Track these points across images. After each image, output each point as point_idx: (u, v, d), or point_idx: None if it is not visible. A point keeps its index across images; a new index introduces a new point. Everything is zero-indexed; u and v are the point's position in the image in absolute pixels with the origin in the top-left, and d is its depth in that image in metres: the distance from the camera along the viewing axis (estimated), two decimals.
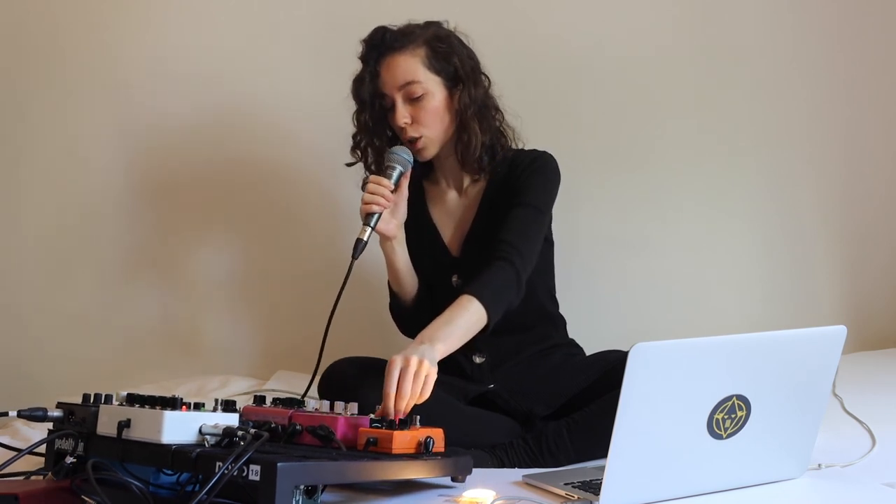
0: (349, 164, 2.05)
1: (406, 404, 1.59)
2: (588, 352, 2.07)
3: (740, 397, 1.34)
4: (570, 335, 2.10)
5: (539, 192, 1.96)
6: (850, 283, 2.72)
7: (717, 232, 2.66)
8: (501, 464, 1.75)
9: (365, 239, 1.84)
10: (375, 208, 1.85)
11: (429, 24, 1.98)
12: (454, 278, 2.01)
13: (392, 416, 1.57)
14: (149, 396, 1.35)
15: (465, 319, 1.77)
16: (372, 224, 1.86)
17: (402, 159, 1.92)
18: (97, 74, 2.57)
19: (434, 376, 1.64)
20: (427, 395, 1.62)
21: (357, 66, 1.97)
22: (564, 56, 2.60)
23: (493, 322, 1.80)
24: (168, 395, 1.37)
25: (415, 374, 1.60)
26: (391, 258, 1.98)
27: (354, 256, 1.83)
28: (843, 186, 2.73)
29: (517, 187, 1.96)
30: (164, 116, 2.57)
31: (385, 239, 1.94)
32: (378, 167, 1.99)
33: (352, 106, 1.99)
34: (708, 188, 2.65)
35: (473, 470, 1.52)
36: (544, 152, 2.02)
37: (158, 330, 2.58)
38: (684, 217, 2.65)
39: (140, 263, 2.59)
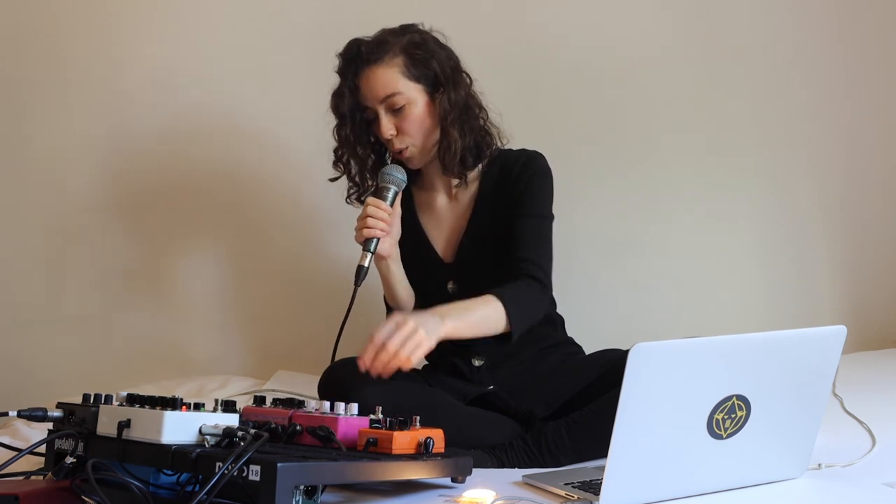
0: (332, 179, 2.04)
1: (388, 362, 1.62)
2: (587, 352, 2.07)
3: (740, 397, 1.34)
4: (570, 335, 2.10)
5: (541, 199, 1.96)
6: (850, 283, 2.72)
7: (716, 231, 2.66)
8: (501, 464, 1.75)
9: (366, 265, 1.86)
10: (378, 233, 1.86)
11: (404, 28, 1.96)
12: (450, 285, 2.00)
13: (366, 366, 1.63)
14: (149, 397, 1.35)
15: (483, 312, 1.79)
16: (372, 249, 1.87)
17: (396, 179, 1.92)
18: (96, 80, 2.57)
19: (426, 346, 1.65)
20: (414, 361, 1.64)
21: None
22: (564, 57, 2.60)
23: (516, 331, 1.82)
24: (168, 395, 1.37)
25: (406, 336, 1.62)
26: (387, 276, 1.98)
27: (357, 284, 1.85)
28: (844, 187, 2.73)
29: (516, 195, 1.95)
30: (163, 123, 2.57)
31: (380, 258, 1.94)
32: (362, 178, 1.99)
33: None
34: (708, 188, 2.65)
35: (473, 470, 1.52)
36: (534, 153, 2.01)
37: (158, 330, 2.58)
38: (684, 217, 2.65)
39: (140, 264, 2.59)
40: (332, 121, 1.99)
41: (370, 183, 2.00)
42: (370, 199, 1.89)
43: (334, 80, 1.97)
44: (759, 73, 2.67)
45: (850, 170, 2.73)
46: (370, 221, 1.86)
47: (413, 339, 1.65)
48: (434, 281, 2.02)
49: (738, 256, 2.68)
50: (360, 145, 1.97)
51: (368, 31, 1.98)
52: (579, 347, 2.08)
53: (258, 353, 2.59)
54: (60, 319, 2.57)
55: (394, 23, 1.99)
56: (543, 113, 2.49)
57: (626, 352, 1.24)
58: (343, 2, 2.60)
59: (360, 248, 1.89)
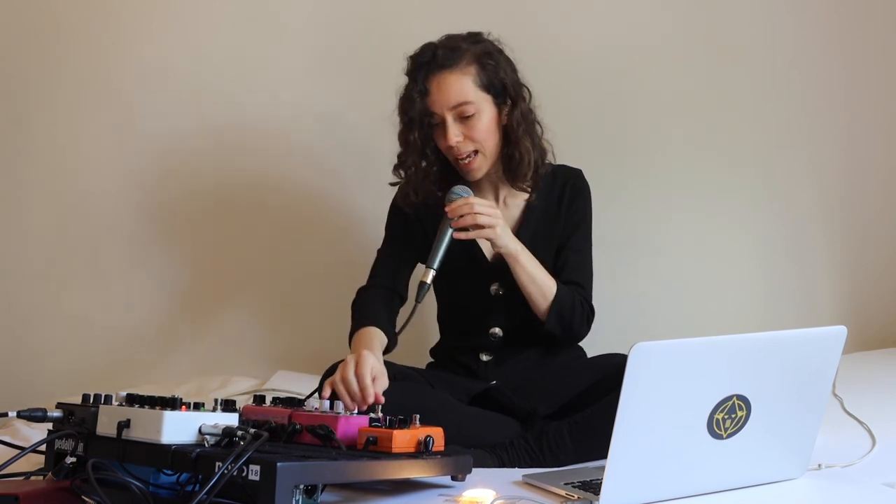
0: (393, 184, 2.02)
1: (465, 212, 1.81)
2: (590, 351, 2.07)
3: (740, 397, 1.34)
4: None
5: (587, 229, 2.05)
6: (850, 283, 2.72)
7: (717, 233, 2.66)
8: (502, 463, 1.75)
9: (428, 282, 1.85)
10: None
11: (473, 37, 1.95)
12: (493, 287, 2.00)
13: (450, 209, 1.83)
14: (148, 396, 1.35)
15: (543, 278, 1.91)
16: (435, 267, 1.85)
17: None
18: (98, 81, 2.57)
19: (498, 234, 1.83)
20: (481, 234, 1.84)
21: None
22: (568, 58, 2.60)
23: (548, 324, 1.91)
24: (168, 395, 1.37)
25: (493, 212, 1.84)
26: None
27: (418, 300, 1.84)
28: (844, 187, 2.73)
29: (567, 220, 2.01)
30: (164, 124, 2.57)
31: None
32: (420, 184, 1.97)
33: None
34: (708, 188, 2.65)
35: (473, 469, 1.52)
36: (578, 172, 2.07)
37: (158, 330, 2.58)
38: (685, 218, 2.64)
39: (140, 264, 2.59)
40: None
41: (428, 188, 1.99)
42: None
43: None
44: (759, 73, 2.67)
45: (850, 170, 2.73)
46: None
47: (495, 218, 1.83)
48: (478, 281, 2.01)
49: (738, 256, 2.67)
50: (426, 150, 1.96)
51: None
52: (583, 351, 2.09)
53: (258, 353, 2.59)
54: (61, 319, 2.57)
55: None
56: (542, 113, 2.48)
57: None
58: (343, 3, 2.59)
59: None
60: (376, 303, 1.97)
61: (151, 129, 2.57)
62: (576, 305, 1.94)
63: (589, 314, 1.99)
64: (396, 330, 1.91)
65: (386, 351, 1.90)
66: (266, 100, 2.59)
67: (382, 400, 1.62)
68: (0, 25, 2.55)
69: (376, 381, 1.65)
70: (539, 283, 1.91)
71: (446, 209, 1.87)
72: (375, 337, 1.88)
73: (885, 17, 2.72)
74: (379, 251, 2.08)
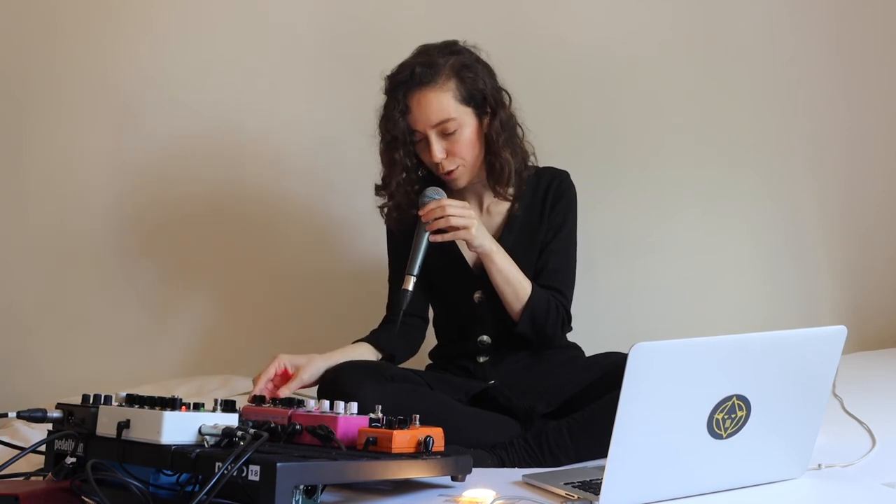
0: (382, 206, 2.01)
1: (438, 215, 1.80)
2: (589, 350, 2.07)
3: (740, 397, 1.34)
4: (571, 337, 2.10)
5: (571, 232, 2.02)
6: (850, 283, 2.72)
7: (717, 233, 2.66)
8: (501, 463, 1.75)
9: (409, 288, 1.84)
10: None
11: (449, 48, 1.93)
12: (477, 295, 2.00)
13: (423, 213, 1.82)
14: (148, 397, 1.35)
15: (518, 279, 1.90)
16: (416, 273, 1.84)
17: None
18: (99, 78, 2.56)
19: (473, 235, 1.82)
20: (455, 235, 1.82)
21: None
22: (567, 58, 2.60)
23: (520, 326, 1.90)
24: (168, 395, 1.36)
25: (466, 212, 1.82)
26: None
27: (402, 307, 1.83)
28: (844, 187, 2.73)
29: (550, 223, 1.99)
30: (166, 121, 2.57)
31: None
32: (406, 200, 1.95)
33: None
34: (709, 189, 2.65)
35: (473, 469, 1.52)
36: (564, 174, 2.04)
37: (158, 330, 2.58)
38: (685, 218, 2.65)
39: (139, 264, 2.59)
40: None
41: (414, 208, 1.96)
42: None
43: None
44: (759, 73, 2.67)
45: (850, 170, 2.73)
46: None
47: (469, 218, 1.82)
48: (461, 290, 2.01)
49: (738, 256, 2.68)
50: (410, 165, 1.95)
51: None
52: (581, 350, 2.09)
53: (258, 353, 2.59)
54: (61, 320, 2.57)
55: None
56: (543, 113, 2.48)
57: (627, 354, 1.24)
58: (343, 11, 2.58)
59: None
60: (378, 328, 2.03)
61: (152, 129, 2.57)
62: (550, 310, 1.93)
63: (565, 320, 1.97)
64: (396, 335, 1.93)
65: (391, 360, 1.97)
66: (265, 101, 2.59)
67: (279, 395, 1.77)
68: (0, 25, 2.55)
69: (292, 379, 1.82)
70: (513, 284, 1.90)
71: (419, 213, 1.87)
72: (345, 348, 1.94)
73: (885, 17, 2.73)
74: (388, 280, 2.09)
